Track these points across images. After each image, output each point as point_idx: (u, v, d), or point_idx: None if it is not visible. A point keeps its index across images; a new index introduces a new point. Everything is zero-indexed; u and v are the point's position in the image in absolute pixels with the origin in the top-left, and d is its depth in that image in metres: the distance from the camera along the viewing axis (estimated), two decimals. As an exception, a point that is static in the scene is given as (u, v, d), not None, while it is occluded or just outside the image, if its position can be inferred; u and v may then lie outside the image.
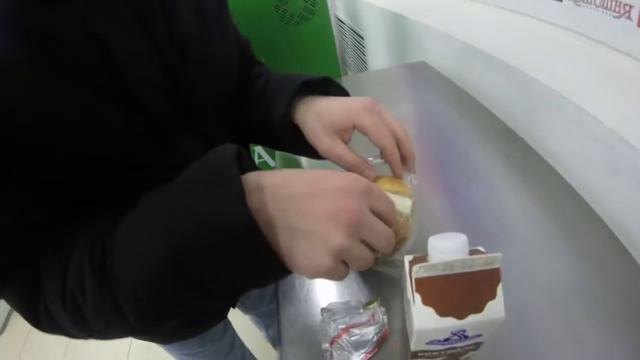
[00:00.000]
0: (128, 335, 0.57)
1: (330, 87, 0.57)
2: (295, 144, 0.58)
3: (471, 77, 0.97)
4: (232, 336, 1.08)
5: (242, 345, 1.20)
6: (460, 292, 0.31)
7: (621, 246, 0.57)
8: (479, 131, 0.84)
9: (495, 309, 0.31)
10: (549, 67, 0.75)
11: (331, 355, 0.49)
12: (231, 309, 1.02)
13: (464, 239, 0.32)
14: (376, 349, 0.50)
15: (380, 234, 0.34)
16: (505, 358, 0.48)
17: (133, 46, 0.43)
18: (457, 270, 0.30)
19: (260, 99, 0.59)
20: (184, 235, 0.33)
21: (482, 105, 0.92)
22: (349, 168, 0.49)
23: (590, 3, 0.73)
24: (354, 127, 0.49)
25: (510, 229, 0.63)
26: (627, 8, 0.65)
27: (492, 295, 0.31)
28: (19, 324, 2.49)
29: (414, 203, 0.47)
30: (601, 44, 0.74)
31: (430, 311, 0.31)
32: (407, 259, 0.37)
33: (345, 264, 0.33)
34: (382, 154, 0.49)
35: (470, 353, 0.39)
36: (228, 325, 1.05)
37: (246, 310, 1.21)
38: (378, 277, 0.59)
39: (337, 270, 0.33)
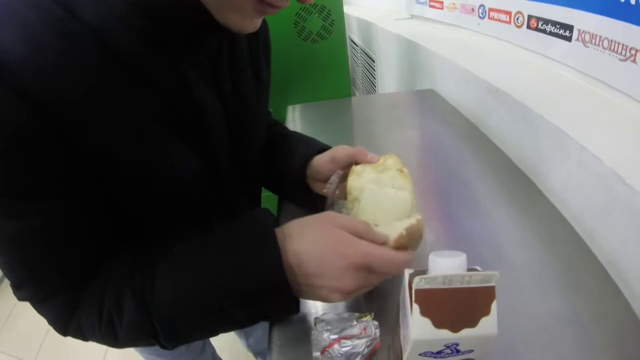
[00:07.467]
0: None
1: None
2: (292, 193, 0.74)
3: (478, 108, 0.99)
4: (204, 342, 1.08)
5: (213, 351, 1.20)
6: (457, 306, 0.32)
7: (611, 281, 0.59)
8: (482, 162, 0.86)
9: (488, 324, 0.32)
10: (553, 105, 0.77)
11: (321, 363, 0.49)
12: None
13: (463, 257, 0.34)
14: (366, 362, 0.50)
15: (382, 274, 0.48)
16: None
17: (207, 93, 0.51)
18: (456, 284, 0.31)
19: (275, 154, 0.73)
20: (234, 284, 0.44)
21: (487, 137, 0.94)
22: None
23: (598, 45, 0.76)
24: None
25: (506, 259, 0.64)
26: (633, 52, 0.68)
27: (487, 312, 0.32)
28: (1, 304, 2.43)
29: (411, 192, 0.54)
30: (606, 85, 0.77)
31: (427, 322, 0.32)
32: (408, 272, 0.38)
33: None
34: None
35: (460, 370, 0.40)
36: None
37: None
38: (373, 291, 0.60)
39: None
